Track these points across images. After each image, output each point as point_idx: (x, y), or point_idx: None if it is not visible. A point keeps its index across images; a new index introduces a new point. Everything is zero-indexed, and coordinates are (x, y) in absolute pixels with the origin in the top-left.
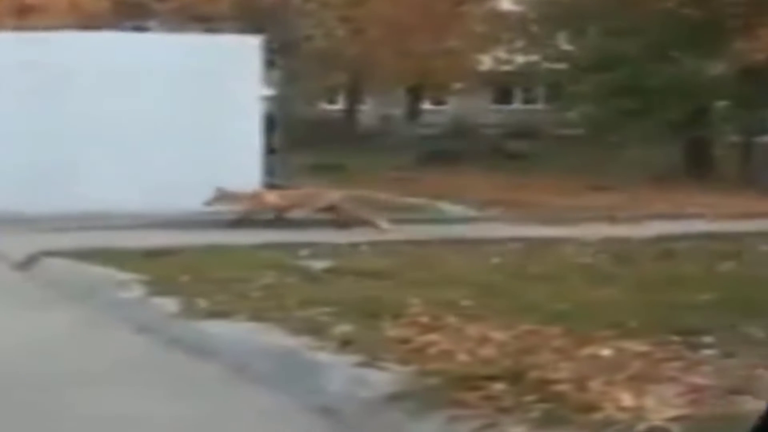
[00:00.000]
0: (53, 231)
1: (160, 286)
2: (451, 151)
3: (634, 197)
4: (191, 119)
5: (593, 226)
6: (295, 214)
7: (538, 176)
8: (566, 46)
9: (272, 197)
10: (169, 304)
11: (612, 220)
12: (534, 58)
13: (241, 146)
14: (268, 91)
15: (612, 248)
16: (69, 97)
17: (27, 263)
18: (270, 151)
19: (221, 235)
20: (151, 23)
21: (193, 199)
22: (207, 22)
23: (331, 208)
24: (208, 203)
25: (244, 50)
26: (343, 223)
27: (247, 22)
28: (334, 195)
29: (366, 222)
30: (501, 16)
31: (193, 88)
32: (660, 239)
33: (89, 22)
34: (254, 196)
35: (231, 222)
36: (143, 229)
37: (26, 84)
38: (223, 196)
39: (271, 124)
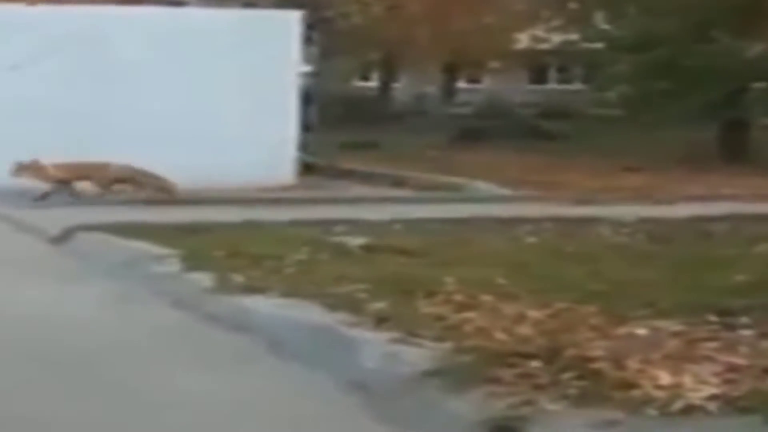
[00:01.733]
0: (91, 205)
1: (195, 261)
2: (486, 131)
3: (670, 178)
4: (229, 94)
5: (628, 206)
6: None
7: (572, 156)
8: (605, 26)
9: (53, 169)
10: (204, 278)
11: (647, 200)
12: (572, 37)
13: (278, 122)
14: (306, 68)
15: (647, 229)
16: (108, 71)
17: (63, 237)
18: (305, 127)
19: (258, 212)
20: None
21: (227, 175)
22: None
23: (123, 181)
24: (13, 175)
25: (284, 25)
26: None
27: None
28: (120, 168)
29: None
30: None
31: (231, 63)
32: (695, 220)
33: None
34: (36, 168)
35: (37, 198)
36: (180, 205)
37: (65, 58)
38: (21, 168)
39: (307, 100)
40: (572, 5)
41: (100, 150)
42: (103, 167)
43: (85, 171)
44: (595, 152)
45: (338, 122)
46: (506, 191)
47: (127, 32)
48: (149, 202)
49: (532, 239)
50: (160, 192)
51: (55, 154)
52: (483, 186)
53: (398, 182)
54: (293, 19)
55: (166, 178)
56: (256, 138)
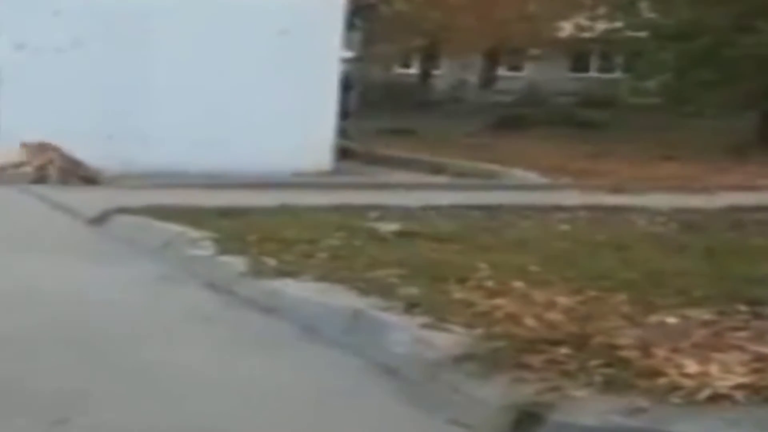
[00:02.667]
0: (128, 188)
1: (229, 245)
2: (525, 118)
3: (708, 167)
4: (269, 79)
5: (664, 195)
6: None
7: (611, 145)
8: (649, 14)
9: None
10: (238, 262)
11: (684, 189)
12: (616, 25)
13: (317, 108)
14: (348, 53)
15: (683, 218)
16: (150, 54)
17: (101, 219)
18: (345, 113)
19: (294, 196)
20: None
21: (265, 159)
22: None
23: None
24: None
25: (327, 11)
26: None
27: None
28: (50, 152)
29: (89, 179)
30: None
31: (273, 47)
32: (732, 210)
33: None
34: None
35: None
36: (217, 189)
37: (106, 39)
38: None
39: (347, 86)
40: None
41: (140, 129)
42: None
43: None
44: (634, 141)
45: (378, 108)
46: (542, 179)
47: (172, 14)
48: (186, 186)
49: (566, 227)
50: (83, 181)
51: (95, 132)
52: (519, 173)
53: (435, 169)
54: (337, 5)
55: (88, 166)
56: (295, 122)
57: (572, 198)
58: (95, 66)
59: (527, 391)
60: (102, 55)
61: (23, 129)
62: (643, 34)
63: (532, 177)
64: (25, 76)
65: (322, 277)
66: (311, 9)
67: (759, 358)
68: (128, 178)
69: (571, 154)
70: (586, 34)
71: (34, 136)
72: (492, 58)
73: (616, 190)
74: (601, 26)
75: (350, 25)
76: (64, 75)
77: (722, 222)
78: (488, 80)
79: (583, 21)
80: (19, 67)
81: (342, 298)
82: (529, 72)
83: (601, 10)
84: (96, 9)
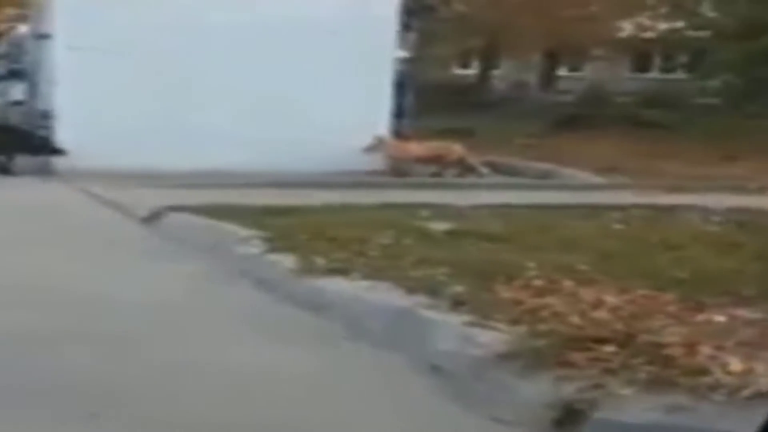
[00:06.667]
0: (181, 187)
1: (279, 243)
2: (585, 118)
3: (767, 168)
4: (323, 79)
5: (721, 195)
6: None
7: (670, 145)
8: (711, 13)
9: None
10: (288, 260)
11: (742, 189)
12: (677, 24)
13: (370, 108)
14: (403, 54)
15: (738, 218)
16: (203, 55)
17: (153, 218)
18: (398, 113)
19: (345, 195)
20: None
21: (318, 158)
22: None
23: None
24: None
25: (381, 12)
26: None
27: None
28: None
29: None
30: None
31: (327, 48)
32: None
33: None
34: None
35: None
36: (267, 188)
37: (159, 41)
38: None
39: (401, 86)
40: None
41: (193, 129)
42: None
43: None
44: (694, 141)
45: (436, 109)
46: (599, 178)
47: (230, 14)
48: (238, 185)
49: (619, 226)
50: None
51: (149, 132)
52: (576, 173)
53: (490, 168)
54: (391, 6)
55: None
56: (349, 122)
57: (628, 197)
58: (148, 68)
59: (570, 389)
60: (155, 56)
61: (77, 129)
62: (704, 33)
63: (589, 176)
64: (78, 78)
65: (370, 276)
66: (365, 10)
67: None
68: (182, 177)
69: (631, 153)
70: (648, 34)
71: (88, 137)
72: (552, 59)
73: (672, 189)
74: (663, 26)
75: (405, 26)
76: (117, 76)
77: None
78: (548, 80)
79: (644, 21)
80: (73, 68)
81: (389, 296)
82: (589, 72)
83: (663, 10)
84: (149, 11)
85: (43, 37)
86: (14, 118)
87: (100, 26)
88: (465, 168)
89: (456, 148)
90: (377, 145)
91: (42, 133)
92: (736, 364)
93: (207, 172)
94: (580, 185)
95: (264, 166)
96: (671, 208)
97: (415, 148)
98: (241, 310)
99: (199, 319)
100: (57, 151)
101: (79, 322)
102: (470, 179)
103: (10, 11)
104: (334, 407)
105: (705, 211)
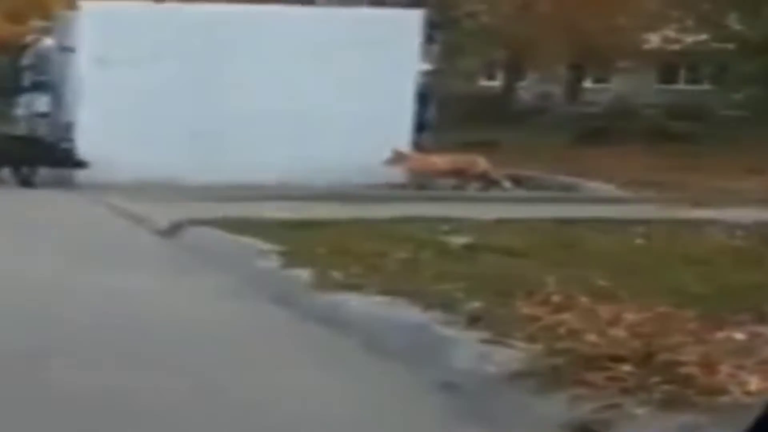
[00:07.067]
0: (203, 200)
1: (297, 257)
2: (611, 130)
3: None
4: (344, 93)
5: (746, 209)
6: None
7: (697, 157)
8: (737, 26)
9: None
10: (305, 275)
11: (765, 203)
12: (703, 37)
13: (391, 120)
14: (426, 66)
15: (763, 232)
16: (228, 67)
17: (172, 230)
18: (420, 125)
19: (366, 209)
20: None
21: (339, 171)
22: None
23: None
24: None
25: (405, 24)
26: None
27: None
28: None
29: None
30: None
31: (349, 61)
32: None
33: None
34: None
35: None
36: (289, 201)
37: (188, 54)
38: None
39: (423, 99)
40: (705, 6)
41: (217, 141)
42: None
43: None
44: (720, 153)
45: (460, 121)
46: (623, 192)
47: (250, 27)
48: (259, 198)
49: (642, 241)
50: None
51: (173, 144)
52: (600, 186)
53: (513, 181)
54: (414, 19)
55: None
56: (368, 135)
57: (652, 211)
58: (171, 81)
59: (586, 408)
60: (180, 68)
61: (102, 142)
62: (730, 46)
63: (613, 190)
64: (104, 90)
65: (387, 291)
66: (388, 24)
67: None
68: (204, 189)
69: (657, 166)
70: (674, 47)
71: (111, 149)
72: (577, 70)
73: (697, 203)
74: (689, 38)
75: (429, 39)
76: (140, 89)
77: None
78: (574, 92)
79: (670, 33)
80: (97, 81)
81: (405, 312)
82: (615, 84)
83: (689, 22)
84: (175, 22)
85: (68, 49)
86: (38, 130)
87: (125, 39)
88: (488, 181)
89: (479, 162)
90: (397, 159)
91: (65, 145)
92: (755, 383)
93: (229, 185)
94: (603, 199)
95: (286, 179)
96: (695, 222)
97: (437, 161)
98: (256, 325)
99: (212, 335)
100: (80, 164)
101: (86, 338)
102: (492, 193)
103: (36, 24)
104: (344, 424)
105: (729, 225)
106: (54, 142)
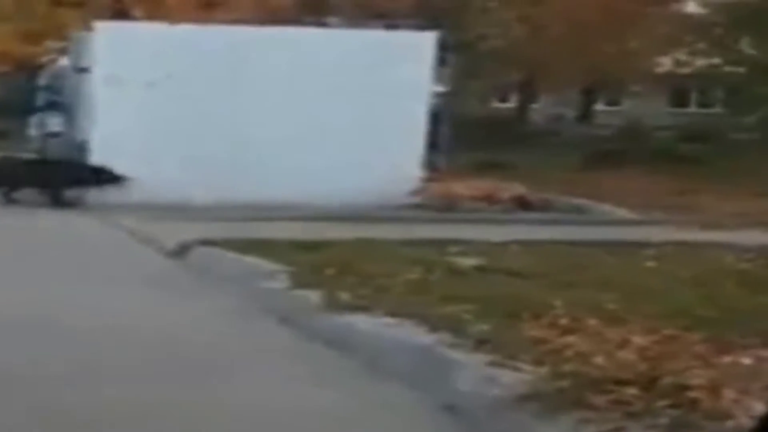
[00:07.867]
0: (213, 220)
1: (305, 278)
2: (622, 153)
3: None
4: (357, 114)
5: (754, 232)
6: None
7: (708, 181)
8: (749, 50)
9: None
10: (313, 296)
11: None
12: (715, 60)
13: (404, 142)
14: (439, 88)
15: None
16: (239, 88)
17: (181, 251)
18: (433, 146)
19: (376, 230)
20: (331, 19)
21: (351, 192)
22: (387, 18)
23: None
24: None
25: (417, 46)
26: None
27: (426, 19)
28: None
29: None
30: (685, 18)
31: (362, 83)
32: None
33: (273, 17)
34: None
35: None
36: (299, 222)
37: (202, 76)
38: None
39: (436, 120)
40: (717, 30)
41: (229, 161)
42: None
43: None
44: (731, 176)
45: (474, 143)
46: (633, 214)
47: (262, 49)
48: (269, 218)
49: (651, 264)
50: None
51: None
52: (610, 209)
53: (523, 203)
54: (427, 41)
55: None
56: (381, 156)
57: (661, 234)
58: (186, 99)
59: None
60: (193, 89)
61: (114, 162)
62: (741, 69)
63: (622, 212)
64: (116, 110)
65: (394, 312)
66: (401, 46)
67: None
68: (215, 210)
69: (667, 189)
70: (685, 70)
71: (125, 169)
72: (590, 93)
73: (707, 226)
74: (700, 62)
75: (441, 61)
76: (153, 109)
77: None
78: (586, 115)
79: (682, 56)
80: (111, 101)
81: (412, 334)
82: (627, 106)
83: (700, 46)
84: (189, 44)
85: (83, 70)
86: (51, 149)
87: (138, 60)
88: (521, 205)
89: (510, 187)
90: (423, 188)
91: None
92: (760, 408)
93: (240, 206)
94: (614, 221)
95: (298, 200)
96: (705, 245)
97: (461, 188)
98: (263, 346)
99: (221, 356)
100: (118, 179)
101: (96, 359)
102: (504, 215)
103: (52, 44)
104: None
105: (739, 248)
106: (81, 162)
